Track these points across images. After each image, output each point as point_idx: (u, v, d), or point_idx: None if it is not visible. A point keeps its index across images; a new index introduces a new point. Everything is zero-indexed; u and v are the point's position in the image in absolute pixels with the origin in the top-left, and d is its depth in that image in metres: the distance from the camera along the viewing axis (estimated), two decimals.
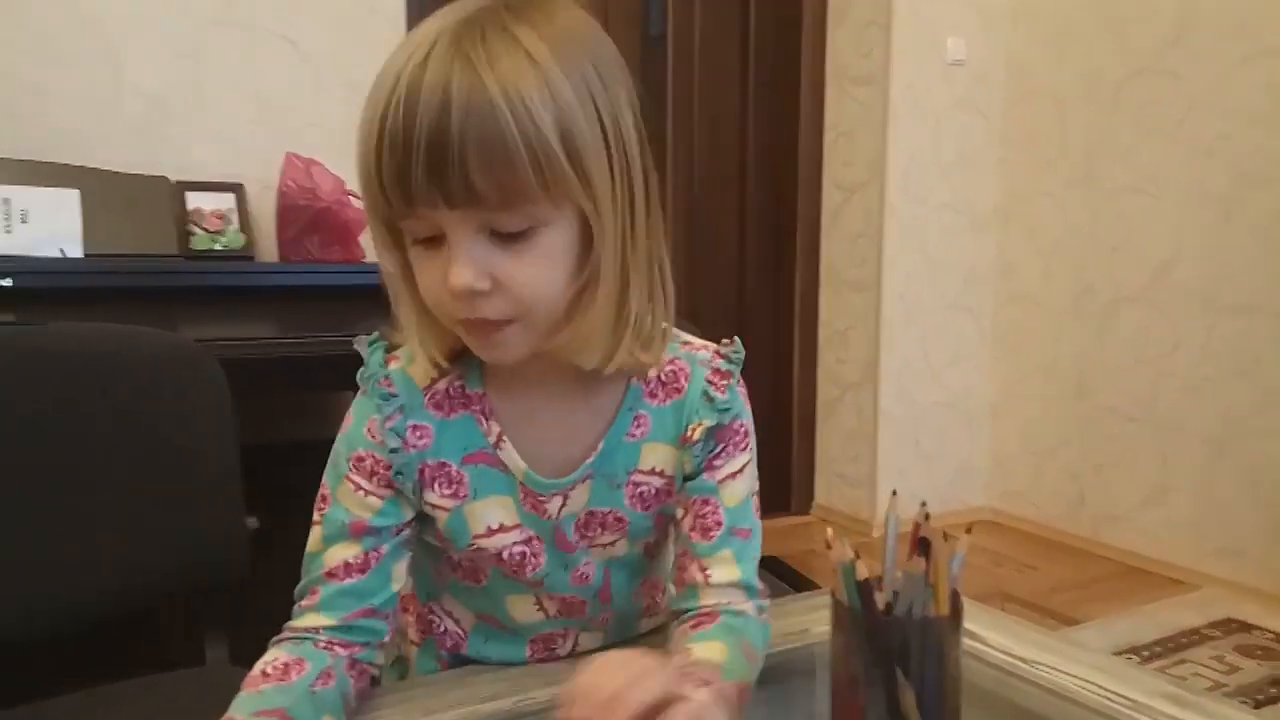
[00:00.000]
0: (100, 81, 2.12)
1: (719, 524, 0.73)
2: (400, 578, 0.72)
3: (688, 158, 3.12)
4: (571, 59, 0.60)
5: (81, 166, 1.96)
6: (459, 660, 0.82)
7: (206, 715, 0.61)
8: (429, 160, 0.57)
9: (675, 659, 0.64)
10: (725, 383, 0.73)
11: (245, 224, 2.10)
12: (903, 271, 3.15)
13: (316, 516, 0.71)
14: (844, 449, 3.31)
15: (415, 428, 0.70)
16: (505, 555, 0.73)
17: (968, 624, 0.78)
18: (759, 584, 0.75)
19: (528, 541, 0.74)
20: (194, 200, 2.06)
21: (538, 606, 0.78)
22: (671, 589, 0.78)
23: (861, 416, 3.23)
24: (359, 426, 0.71)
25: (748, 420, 0.75)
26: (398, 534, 0.71)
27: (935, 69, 3.10)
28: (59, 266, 1.82)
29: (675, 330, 0.75)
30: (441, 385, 0.71)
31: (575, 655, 0.80)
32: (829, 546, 0.56)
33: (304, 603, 0.70)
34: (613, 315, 0.66)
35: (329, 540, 0.70)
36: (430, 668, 0.84)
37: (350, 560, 0.69)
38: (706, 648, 0.67)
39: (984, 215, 3.27)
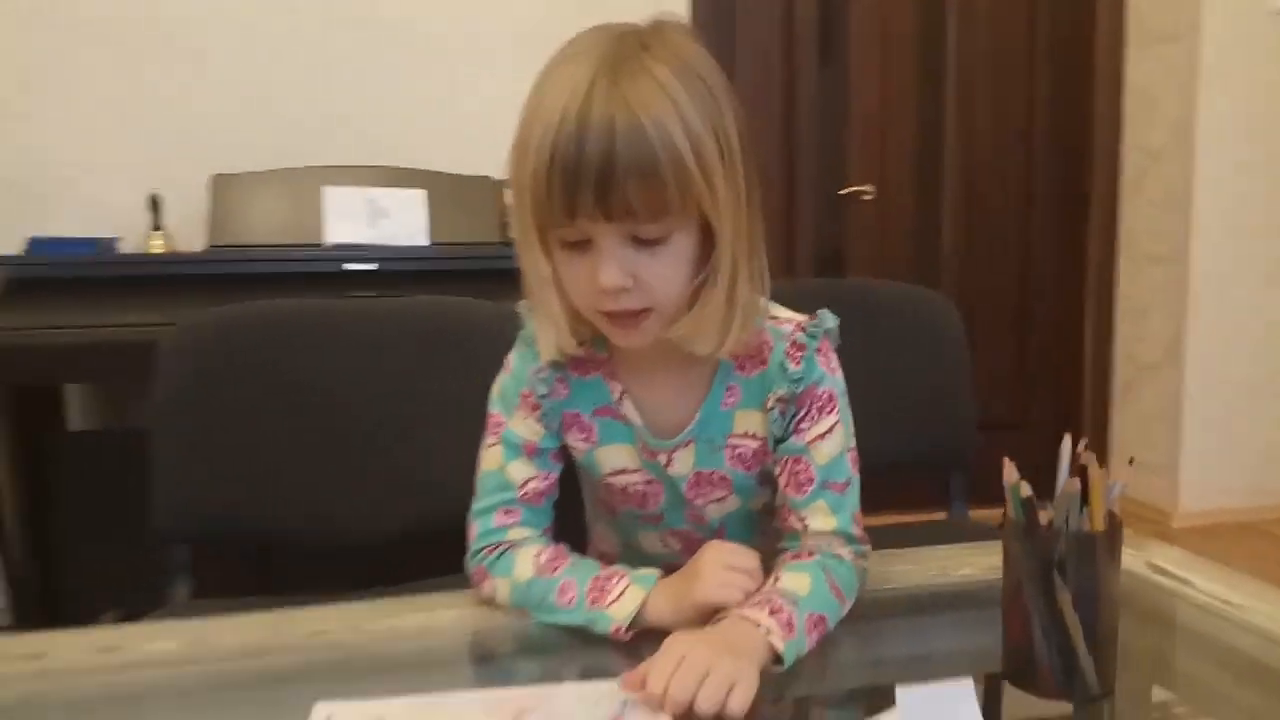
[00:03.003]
0: (439, 97, 2.54)
1: (811, 480, 0.83)
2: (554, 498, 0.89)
3: (968, 125, 3.04)
4: (694, 90, 0.72)
5: (426, 170, 2.36)
6: None
7: None
8: (598, 183, 0.69)
9: (763, 588, 0.75)
10: (800, 354, 0.82)
11: None
12: (1213, 243, 2.91)
13: (492, 439, 0.87)
14: (1141, 434, 3.12)
15: (560, 380, 0.86)
16: (630, 490, 0.89)
17: (1184, 573, 0.86)
18: (857, 531, 0.83)
19: (648, 483, 0.88)
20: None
21: (663, 544, 0.93)
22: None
23: (1163, 399, 3.04)
24: (523, 369, 0.86)
25: (831, 385, 0.84)
26: (555, 459, 0.88)
27: (1255, 21, 2.84)
28: (410, 253, 2.22)
29: (767, 304, 0.84)
30: (579, 351, 0.84)
31: None
32: (1006, 477, 0.66)
33: (505, 520, 0.85)
34: (725, 304, 0.77)
35: (509, 457, 0.86)
36: None
37: (538, 487, 0.86)
38: (794, 578, 0.76)
39: None
